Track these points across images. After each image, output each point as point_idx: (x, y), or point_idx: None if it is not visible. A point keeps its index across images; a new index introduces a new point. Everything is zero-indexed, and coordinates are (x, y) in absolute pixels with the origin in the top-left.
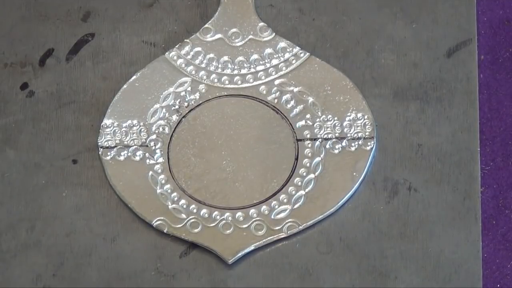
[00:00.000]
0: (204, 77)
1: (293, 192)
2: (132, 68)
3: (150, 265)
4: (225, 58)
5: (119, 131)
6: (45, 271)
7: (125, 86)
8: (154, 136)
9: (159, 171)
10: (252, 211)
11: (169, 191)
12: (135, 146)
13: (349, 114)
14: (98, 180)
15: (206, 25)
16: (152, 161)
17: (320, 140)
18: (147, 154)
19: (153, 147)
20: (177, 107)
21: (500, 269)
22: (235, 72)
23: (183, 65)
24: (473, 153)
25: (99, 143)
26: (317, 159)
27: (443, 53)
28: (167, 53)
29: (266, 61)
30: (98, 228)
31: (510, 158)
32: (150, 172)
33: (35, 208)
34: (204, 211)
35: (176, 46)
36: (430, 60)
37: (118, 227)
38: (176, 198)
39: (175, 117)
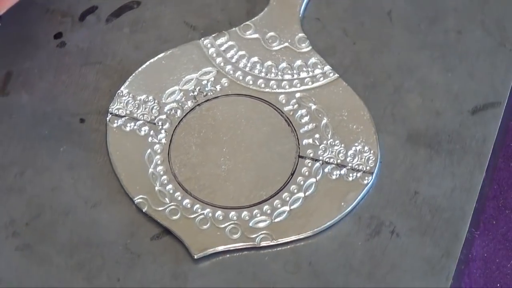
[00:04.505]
0: (230, 72)
1: (278, 206)
2: (165, 45)
3: (121, 240)
4: (255, 58)
5: (132, 102)
6: (20, 219)
7: (151, 60)
8: (164, 116)
9: (158, 151)
10: (232, 213)
11: (161, 172)
12: (142, 121)
13: (356, 144)
14: (98, 145)
15: (248, 22)
16: (154, 140)
17: (321, 162)
18: (152, 132)
19: (160, 127)
20: (195, 93)
21: (500, 269)
22: (262, 75)
23: (214, 55)
24: (465, 214)
25: (110, 109)
26: (312, 180)
27: (468, 108)
28: (202, 39)
29: (295, 72)
30: (83, 191)
31: (511, 159)
32: (149, 150)
33: (30, 155)
34: (187, 201)
35: (213, 35)
36: (454, 112)
37: (102, 195)
38: (165, 182)
39: (190, 103)
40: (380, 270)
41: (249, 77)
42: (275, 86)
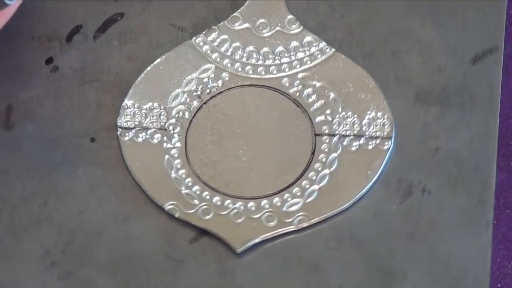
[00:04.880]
0: (228, 65)
1: (307, 186)
2: (158, 51)
3: (159, 249)
4: (251, 48)
5: (139, 113)
6: (54, 247)
7: (148, 68)
8: (173, 120)
9: (176, 155)
10: (264, 202)
11: (183, 176)
12: (153, 129)
13: (369, 112)
14: (115, 160)
15: (235, 14)
16: (169, 145)
17: (338, 136)
18: (165, 138)
19: (172, 131)
20: (199, 93)
21: (501, 269)
22: (260, 62)
23: (209, 52)
24: (489, 160)
25: (118, 123)
26: (334, 155)
27: (468, 59)
28: (193, 38)
29: (291, 53)
30: (111, 208)
31: (511, 158)
32: (167, 156)
33: (50, 184)
34: (216, 198)
35: (203, 32)
36: (455, 65)
37: (130, 209)
38: (190, 184)
39: (195, 103)
40: (419, 230)
41: (248, 67)
42: (275, 71)
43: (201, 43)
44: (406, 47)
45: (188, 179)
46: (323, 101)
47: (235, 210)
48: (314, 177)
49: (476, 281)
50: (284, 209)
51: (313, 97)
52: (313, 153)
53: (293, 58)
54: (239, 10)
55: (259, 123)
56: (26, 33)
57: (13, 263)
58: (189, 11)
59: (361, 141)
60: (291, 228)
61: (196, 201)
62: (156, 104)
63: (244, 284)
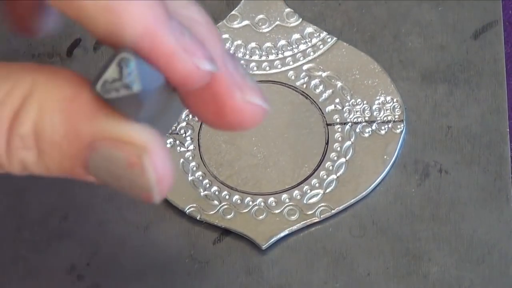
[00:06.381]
0: None
1: (325, 177)
2: None
3: (184, 253)
4: (253, 44)
5: None
6: (79, 261)
7: None
8: (184, 124)
9: (190, 158)
10: (284, 196)
11: (200, 178)
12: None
13: (378, 97)
14: None
15: (233, 12)
16: (183, 149)
17: (350, 124)
18: (177, 142)
19: (184, 135)
20: None
21: None
22: (263, 58)
23: None
24: (502, 134)
25: None
26: (348, 143)
27: (469, 35)
28: None
29: (294, 46)
30: (131, 217)
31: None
32: (181, 160)
33: (67, 198)
34: (236, 197)
35: None
36: (457, 42)
37: (150, 216)
38: (208, 185)
39: None
40: (441, 210)
41: (252, 64)
42: (280, 66)
43: None
44: (406, 29)
45: (206, 181)
46: (331, 90)
47: (256, 207)
48: (331, 167)
49: (502, 256)
50: (304, 201)
51: (321, 87)
52: (327, 143)
53: (295, 50)
54: (236, 8)
55: (269, 119)
56: (26, 53)
57: (39, 279)
58: None
59: (374, 127)
60: (314, 220)
61: (216, 202)
62: None
63: (272, 279)
